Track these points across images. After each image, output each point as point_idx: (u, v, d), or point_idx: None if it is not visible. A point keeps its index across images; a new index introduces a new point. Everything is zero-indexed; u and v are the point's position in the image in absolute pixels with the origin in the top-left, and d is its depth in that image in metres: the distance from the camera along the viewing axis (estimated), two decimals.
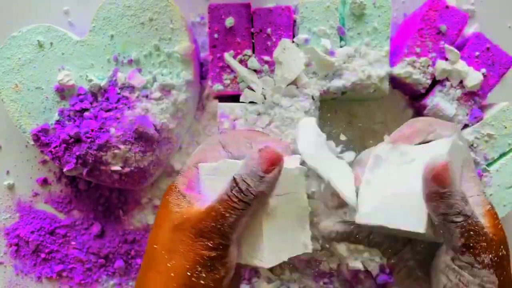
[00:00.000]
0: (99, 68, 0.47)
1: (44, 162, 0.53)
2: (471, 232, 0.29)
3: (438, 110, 0.46)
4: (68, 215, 0.54)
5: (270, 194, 0.32)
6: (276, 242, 0.33)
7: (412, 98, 0.51)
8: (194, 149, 0.50)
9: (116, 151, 0.46)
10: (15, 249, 0.53)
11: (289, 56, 0.45)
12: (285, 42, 0.45)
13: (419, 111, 0.49)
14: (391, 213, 0.33)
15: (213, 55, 0.46)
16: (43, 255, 0.53)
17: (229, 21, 0.45)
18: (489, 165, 0.48)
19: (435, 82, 0.48)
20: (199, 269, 0.30)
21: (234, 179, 0.30)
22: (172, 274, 0.30)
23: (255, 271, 0.53)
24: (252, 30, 0.46)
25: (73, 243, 0.53)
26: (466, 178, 0.32)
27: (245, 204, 0.30)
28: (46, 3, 0.52)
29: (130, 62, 0.47)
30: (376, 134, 0.51)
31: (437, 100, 0.47)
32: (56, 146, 0.46)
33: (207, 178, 0.33)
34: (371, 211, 0.35)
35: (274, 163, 0.31)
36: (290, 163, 0.34)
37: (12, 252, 0.53)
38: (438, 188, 0.29)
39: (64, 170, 0.47)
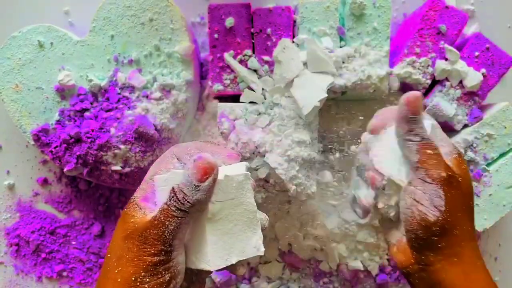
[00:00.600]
0: (100, 68, 0.48)
1: (44, 162, 0.53)
2: (425, 150, 0.34)
3: (438, 110, 0.46)
4: (68, 215, 0.54)
5: (207, 201, 0.34)
6: (222, 245, 0.35)
7: None
8: None
9: (116, 151, 0.46)
10: (16, 249, 0.53)
11: (289, 55, 0.45)
12: (285, 41, 0.45)
13: None
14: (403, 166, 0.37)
15: (213, 55, 0.46)
16: (43, 255, 0.53)
17: (229, 21, 0.45)
18: (488, 165, 0.48)
19: (435, 82, 0.48)
20: (143, 274, 0.32)
21: (173, 189, 0.33)
22: (119, 280, 0.32)
23: (255, 271, 0.53)
24: (252, 30, 0.46)
25: (73, 243, 0.53)
26: (439, 135, 0.37)
27: (183, 212, 0.32)
28: (46, 3, 0.52)
29: (130, 62, 0.47)
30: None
31: (437, 100, 0.47)
32: (57, 146, 0.46)
33: (161, 190, 0.35)
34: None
35: (207, 172, 0.33)
36: (234, 170, 0.36)
37: (12, 252, 0.53)
38: (407, 112, 0.34)
39: (65, 170, 0.47)
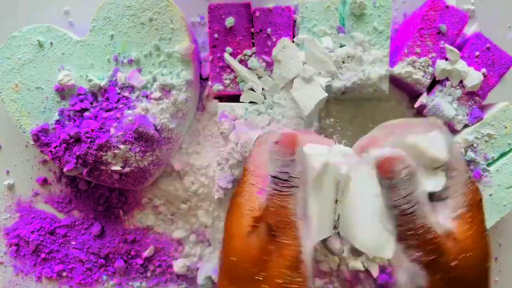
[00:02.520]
0: (99, 68, 0.47)
1: (44, 162, 0.53)
2: (403, 228, 0.29)
3: (438, 111, 0.46)
4: (68, 215, 0.54)
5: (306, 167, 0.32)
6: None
7: (412, 98, 0.51)
8: (194, 149, 0.50)
9: (116, 151, 0.46)
10: (15, 249, 0.53)
11: (288, 55, 0.45)
12: (285, 41, 0.45)
13: (419, 111, 0.49)
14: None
15: (213, 55, 0.46)
16: (43, 255, 0.53)
17: (229, 21, 0.45)
18: (489, 165, 0.48)
19: (435, 82, 0.48)
20: (287, 272, 0.29)
21: (273, 176, 0.31)
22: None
23: None
24: (252, 30, 0.46)
25: (73, 243, 0.53)
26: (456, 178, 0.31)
27: (295, 188, 0.31)
28: (46, 3, 0.52)
29: (130, 62, 0.47)
30: None
31: (437, 100, 0.47)
32: (56, 146, 0.46)
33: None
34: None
35: (294, 144, 0.32)
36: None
37: (12, 252, 0.53)
38: (381, 177, 0.30)
39: (64, 170, 0.47)
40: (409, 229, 0.29)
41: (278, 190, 0.31)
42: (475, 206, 0.31)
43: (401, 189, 0.29)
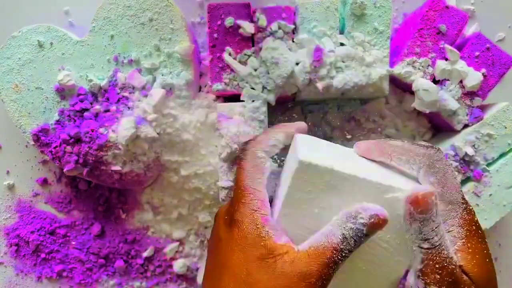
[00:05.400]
0: (99, 68, 0.47)
1: (44, 162, 0.53)
2: (431, 262, 0.30)
3: (441, 105, 0.46)
4: (68, 215, 0.54)
5: None
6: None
7: (412, 98, 0.51)
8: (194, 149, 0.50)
9: (116, 151, 0.46)
10: (15, 249, 0.53)
11: (278, 53, 0.45)
12: (267, 42, 0.45)
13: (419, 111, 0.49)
14: None
15: (213, 55, 0.46)
16: (43, 255, 0.53)
17: (229, 21, 0.45)
18: (489, 165, 0.48)
19: (435, 82, 0.48)
20: None
21: (344, 236, 0.31)
22: None
23: None
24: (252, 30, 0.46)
25: (73, 243, 0.53)
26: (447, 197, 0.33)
27: (351, 253, 0.32)
28: (46, 3, 0.52)
29: (130, 62, 0.47)
30: (376, 134, 0.51)
31: (441, 93, 0.46)
32: (56, 146, 0.46)
33: (287, 218, 0.33)
34: None
35: (380, 227, 0.32)
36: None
37: (12, 252, 0.53)
38: (414, 211, 0.31)
39: (64, 170, 0.47)
40: (435, 262, 0.30)
41: (341, 249, 0.31)
42: (473, 236, 0.32)
43: (432, 222, 0.31)
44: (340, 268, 0.32)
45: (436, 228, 0.31)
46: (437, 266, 0.30)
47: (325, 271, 0.31)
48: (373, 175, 0.33)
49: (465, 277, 0.31)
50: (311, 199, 0.33)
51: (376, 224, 0.31)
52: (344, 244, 0.31)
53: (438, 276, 0.30)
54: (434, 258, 0.30)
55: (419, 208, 0.31)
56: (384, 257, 0.34)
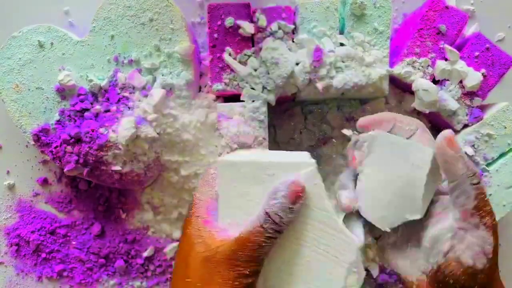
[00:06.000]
0: (100, 68, 0.48)
1: (44, 162, 0.53)
2: (482, 195, 0.32)
3: (441, 105, 0.46)
4: (69, 215, 0.54)
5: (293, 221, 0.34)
6: (304, 276, 0.35)
7: (412, 98, 0.51)
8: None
9: (116, 151, 0.46)
10: (16, 249, 0.53)
11: (278, 53, 0.45)
12: (267, 42, 0.45)
13: (419, 111, 0.50)
14: (391, 211, 0.37)
15: (213, 55, 0.46)
16: (43, 255, 0.53)
17: (229, 21, 0.45)
18: (488, 165, 0.48)
19: (435, 82, 0.48)
20: None
21: (267, 213, 0.33)
22: None
23: None
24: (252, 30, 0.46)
25: (73, 243, 0.53)
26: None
27: (278, 233, 0.33)
28: (46, 3, 0.52)
29: (131, 62, 0.47)
30: None
31: (440, 93, 0.46)
32: (57, 146, 0.47)
33: (225, 217, 0.35)
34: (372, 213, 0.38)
35: (300, 195, 0.34)
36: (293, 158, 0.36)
37: (12, 252, 0.53)
38: (453, 151, 0.33)
39: (65, 170, 0.47)
40: (484, 201, 0.32)
41: (264, 228, 0.33)
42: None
43: (466, 158, 0.33)
44: (281, 255, 0.34)
45: (474, 166, 0.33)
46: (486, 199, 0.32)
47: (249, 254, 0.32)
48: (286, 158, 0.36)
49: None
50: (239, 194, 0.35)
51: (295, 192, 0.33)
52: (268, 222, 0.33)
53: (489, 208, 0.32)
54: (483, 191, 0.32)
55: (455, 145, 0.33)
56: (328, 240, 0.35)
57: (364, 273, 0.36)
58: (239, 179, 0.35)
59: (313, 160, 0.35)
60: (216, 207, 0.36)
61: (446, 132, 0.34)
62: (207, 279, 0.33)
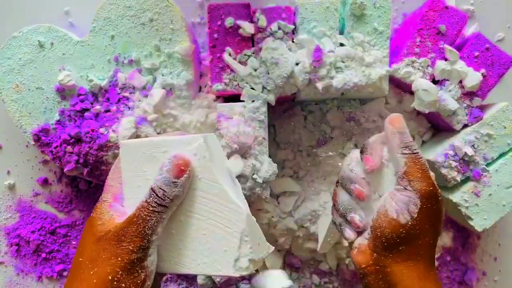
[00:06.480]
0: (100, 69, 0.48)
1: (44, 162, 0.53)
2: (412, 163, 0.36)
3: (441, 105, 0.46)
4: (69, 215, 0.54)
5: (183, 196, 0.35)
6: (201, 249, 0.35)
7: (412, 98, 0.51)
8: None
9: (116, 151, 0.46)
10: (16, 249, 0.53)
11: (278, 53, 0.45)
12: (267, 43, 0.45)
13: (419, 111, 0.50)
14: None
15: (213, 55, 0.46)
16: (43, 255, 0.53)
17: (229, 21, 0.45)
18: (488, 165, 0.48)
19: (434, 82, 0.48)
20: (120, 272, 0.33)
21: (152, 188, 0.34)
22: (95, 281, 0.32)
23: (255, 271, 0.53)
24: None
25: (73, 242, 0.53)
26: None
27: (163, 207, 0.34)
28: (46, 3, 0.52)
29: (131, 62, 0.47)
30: (376, 133, 0.51)
31: (440, 93, 0.46)
32: (57, 146, 0.47)
33: (128, 199, 0.37)
34: None
35: (183, 169, 0.35)
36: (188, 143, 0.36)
37: (12, 251, 0.53)
38: (394, 128, 0.37)
39: (65, 170, 0.47)
40: (415, 164, 0.36)
41: (148, 203, 0.34)
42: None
43: (407, 134, 0.37)
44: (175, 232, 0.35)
45: (412, 140, 0.37)
46: (417, 167, 0.36)
47: (134, 229, 0.33)
48: (176, 137, 0.37)
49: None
50: (140, 174, 0.36)
51: (178, 166, 0.34)
52: (152, 197, 0.34)
53: (419, 175, 0.36)
54: (416, 160, 0.36)
55: (396, 124, 0.37)
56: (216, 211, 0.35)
57: (267, 245, 0.37)
58: (137, 159, 0.36)
59: (201, 136, 0.36)
60: (120, 193, 0.37)
61: (393, 114, 0.38)
62: (95, 256, 0.33)
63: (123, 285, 0.32)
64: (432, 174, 0.37)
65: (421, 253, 0.36)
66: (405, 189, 0.36)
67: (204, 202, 0.35)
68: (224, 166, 0.38)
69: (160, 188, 0.34)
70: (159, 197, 0.34)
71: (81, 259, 0.34)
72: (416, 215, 0.35)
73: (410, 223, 0.35)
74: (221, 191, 0.35)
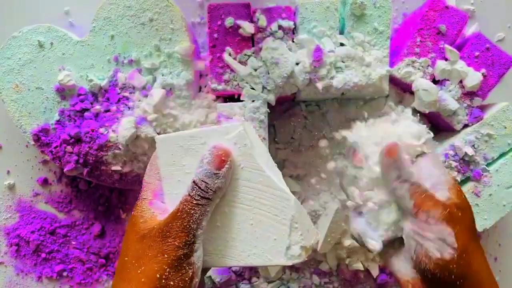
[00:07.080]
0: (100, 68, 0.48)
1: (44, 162, 0.53)
2: (417, 193, 0.35)
3: (441, 105, 0.46)
4: (69, 215, 0.54)
5: (226, 187, 0.35)
6: (248, 239, 0.34)
7: (412, 98, 0.51)
8: None
9: (116, 151, 0.46)
10: (16, 249, 0.53)
11: (278, 53, 0.45)
12: (267, 42, 0.45)
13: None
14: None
15: (213, 55, 0.46)
16: (43, 255, 0.53)
17: (229, 21, 0.45)
18: (488, 165, 0.48)
19: (435, 82, 0.48)
20: (168, 269, 0.32)
21: (194, 181, 0.34)
22: (143, 280, 0.32)
23: (255, 271, 0.53)
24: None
25: (73, 243, 0.53)
26: (426, 171, 0.37)
27: (207, 199, 0.34)
28: (46, 3, 0.52)
29: (131, 62, 0.47)
30: None
31: (440, 93, 0.46)
32: (57, 146, 0.47)
33: (168, 194, 0.36)
34: None
35: (224, 159, 0.34)
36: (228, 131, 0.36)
37: (12, 252, 0.53)
38: (389, 160, 0.36)
39: (65, 170, 0.47)
40: (421, 194, 0.34)
41: (191, 196, 0.33)
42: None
43: (404, 167, 0.36)
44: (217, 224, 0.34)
45: (409, 171, 0.35)
46: (423, 197, 0.34)
47: (179, 224, 0.33)
48: (212, 127, 0.36)
49: (455, 202, 0.34)
50: (178, 168, 0.36)
51: (218, 156, 0.34)
52: (195, 190, 0.33)
53: (431, 203, 0.34)
54: (418, 190, 0.35)
55: (391, 156, 0.36)
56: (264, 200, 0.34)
57: (316, 231, 0.36)
58: (175, 152, 0.36)
59: (240, 123, 0.35)
60: (160, 189, 0.37)
61: (390, 145, 0.37)
62: (140, 255, 0.33)
63: (172, 283, 0.32)
64: (450, 180, 0.36)
65: (479, 274, 0.34)
66: (429, 223, 0.34)
67: (249, 191, 0.34)
68: (265, 153, 0.37)
69: (202, 181, 0.33)
70: (202, 190, 0.33)
71: (126, 258, 0.34)
72: (456, 244, 0.33)
73: (456, 254, 0.33)
74: (265, 178, 0.34)
